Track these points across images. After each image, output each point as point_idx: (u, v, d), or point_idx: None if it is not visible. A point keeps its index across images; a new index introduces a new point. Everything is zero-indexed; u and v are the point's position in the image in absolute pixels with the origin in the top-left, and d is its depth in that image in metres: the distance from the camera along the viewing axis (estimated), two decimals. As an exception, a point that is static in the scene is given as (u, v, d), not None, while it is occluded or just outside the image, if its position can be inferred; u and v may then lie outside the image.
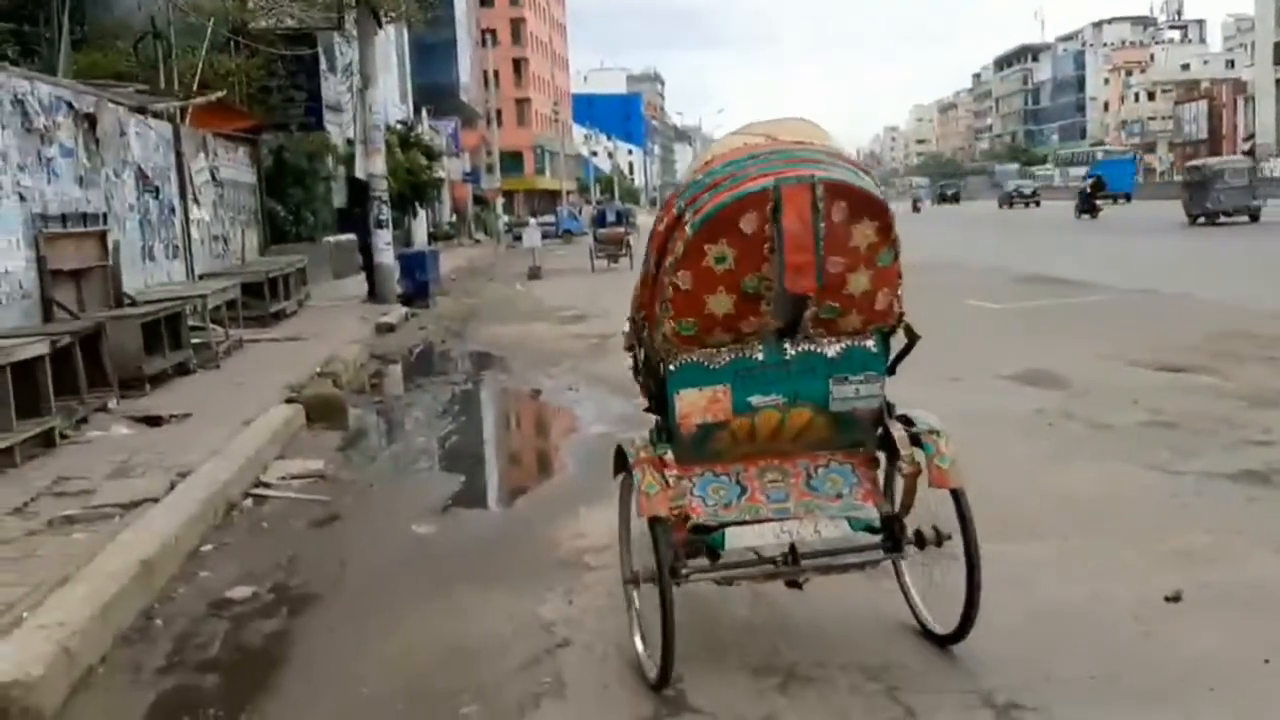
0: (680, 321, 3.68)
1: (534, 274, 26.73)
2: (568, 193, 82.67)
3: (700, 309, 3.63)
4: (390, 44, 37.60)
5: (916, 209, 68.85)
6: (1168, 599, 4.19)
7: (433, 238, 40.92)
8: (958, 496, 3.83)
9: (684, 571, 3.78)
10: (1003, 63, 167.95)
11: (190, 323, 11.20)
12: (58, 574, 4.72)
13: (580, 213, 62.82)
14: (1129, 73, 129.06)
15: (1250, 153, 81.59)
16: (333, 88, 25.12)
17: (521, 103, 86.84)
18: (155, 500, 5.98)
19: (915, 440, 3.81)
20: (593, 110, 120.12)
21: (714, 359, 3.76)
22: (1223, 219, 29.11)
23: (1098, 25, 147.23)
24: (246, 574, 5.25)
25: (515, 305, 19.79)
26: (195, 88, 15.09)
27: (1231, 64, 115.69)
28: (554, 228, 55.79)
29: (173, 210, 14.53)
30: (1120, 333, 11.19)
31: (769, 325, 3.71)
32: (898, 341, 3.90)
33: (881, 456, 4.01)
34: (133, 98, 12.89)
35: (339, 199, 26.22)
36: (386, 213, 18.77)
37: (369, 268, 19.06)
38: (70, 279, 10.44)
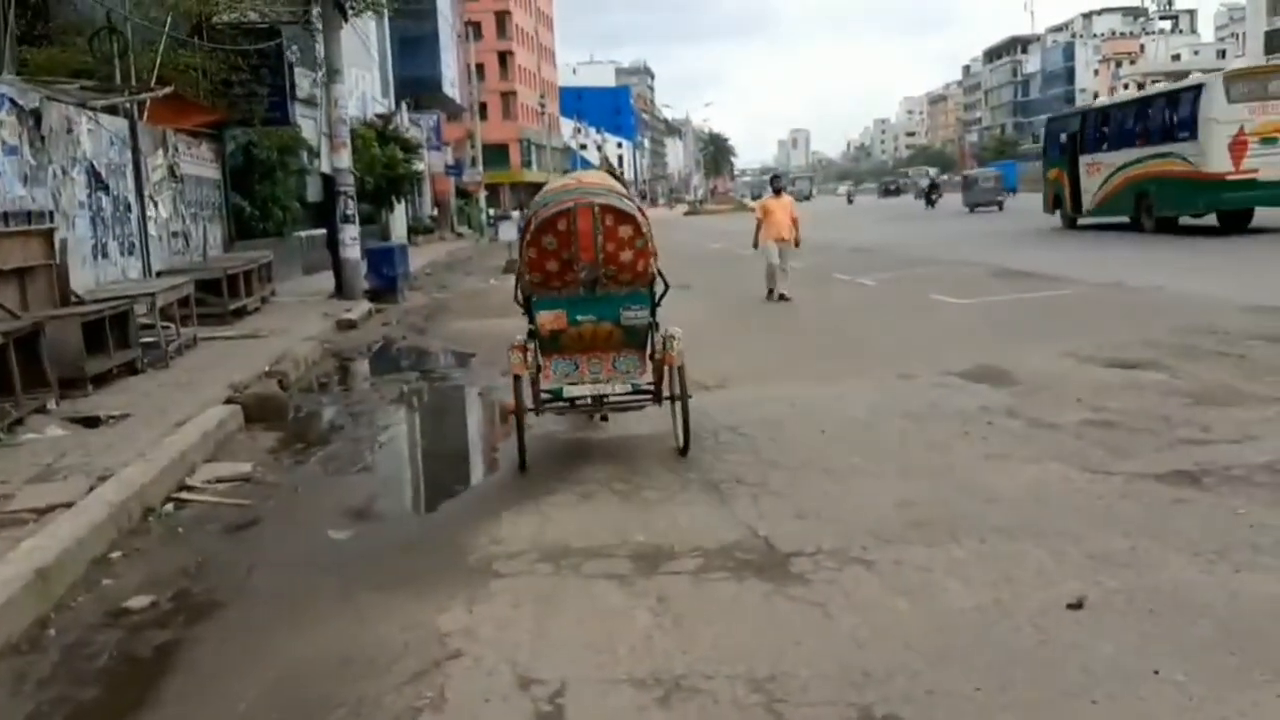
0: (533, 275, 6.85)
1: (510, 268, 26.56)
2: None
3: (542, 268, 6.81)
4: (371, 38, 37.40)
5: (850, 201, 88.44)
6: (1070, 606, 4.10)
7: (413, 231, 40.78)
8: (679, 370, 6.76)
9: (542, 408, 7.04)
10: (992, 54, 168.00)
11: (142, 321, 11.07)
12: (-51, 584, 4.61)
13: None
14: (1119, 63, 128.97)
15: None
16: (306, 82, 24.93)
17: (507, 96, 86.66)
18: (69, 505, 5.86)
19: (665, 342, 6.75)
20: (582, 103, 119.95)
21: (556, 295, 6.86)
22: (979, 208, 46.95)
23: (1088, 16, 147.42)
24: (150, 581, 5.14)
25: (486, 300, 19.64)
26: (154, 83, 14.91)
27: (1223, 54, 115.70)
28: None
29: (128, 207, 14.37)
30: (1081, 328, 11.11)
31: (580, 277, 6.76)
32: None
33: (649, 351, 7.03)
34: (77, 94, 12.72)
35: (314, 193, 26.06)
36: (353, 207, 18.61)
37: (336, 263, 18.92)
38: (13, 278, 10.27)
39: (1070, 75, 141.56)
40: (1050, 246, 23.45)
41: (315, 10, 18.12)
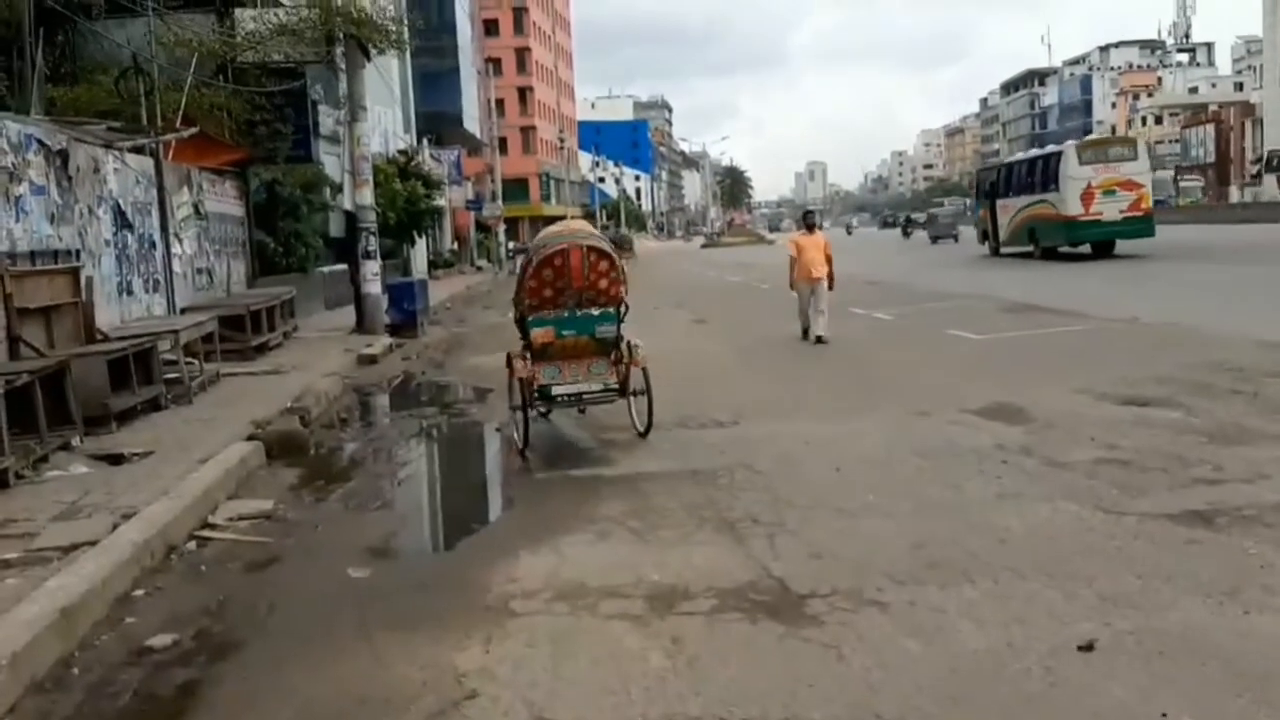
0: (530, 300, 8.66)
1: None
2: (572, 218, 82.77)
3: (540, 294, 8.65)
4: (393, 75, 37.85)
5: (849, 232, 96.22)
6: (1080, 648, 4.13)
7: (433, 265, 41.05)
8: (644, 371, 8.67)
9: (536, 405, 8.77)
10: (1010, 87, 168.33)
11: (166, 357, 11.22)
12: (-22, 622, 4.70)
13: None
14: (1136, 96, 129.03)
15: (1258, 176, 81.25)
16: (330, 119, 25.25)
17: (527, 130, 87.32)
18: (94, 544, 5.95)
19: (630, 350, 8.76)
20: (600, 137, 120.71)
21: (546, 315, 8.69)
22: (940, 240, 54.24)
23: (1105, 49, 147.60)
24: (173, 620, 5.22)
25: (503, 334, 19.65)
26: (179, 123, 15.16)
27: (1240, 86, 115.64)
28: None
29: (153, 244, 14.58)
30: (1096, 364, 11.12)
31: (568, 302, 8.64)
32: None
33: (616, 357, 8.89)
34: (104, 135, 12.95)
35: (336, 229, 26.33)
36: (374, 244, 18.81)
37: (358, 298, 19.10)
38: (40, 316, 10.45)
39: (1088, 108, 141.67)
40: (973, 269, 30.36)
41: (338, 50, 18.39)
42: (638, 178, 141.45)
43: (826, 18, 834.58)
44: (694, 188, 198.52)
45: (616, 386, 8.81)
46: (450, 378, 14.42)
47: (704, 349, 15.58)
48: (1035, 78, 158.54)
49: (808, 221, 16.29)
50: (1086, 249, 29.77)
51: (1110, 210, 28.56)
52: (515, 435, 8.71)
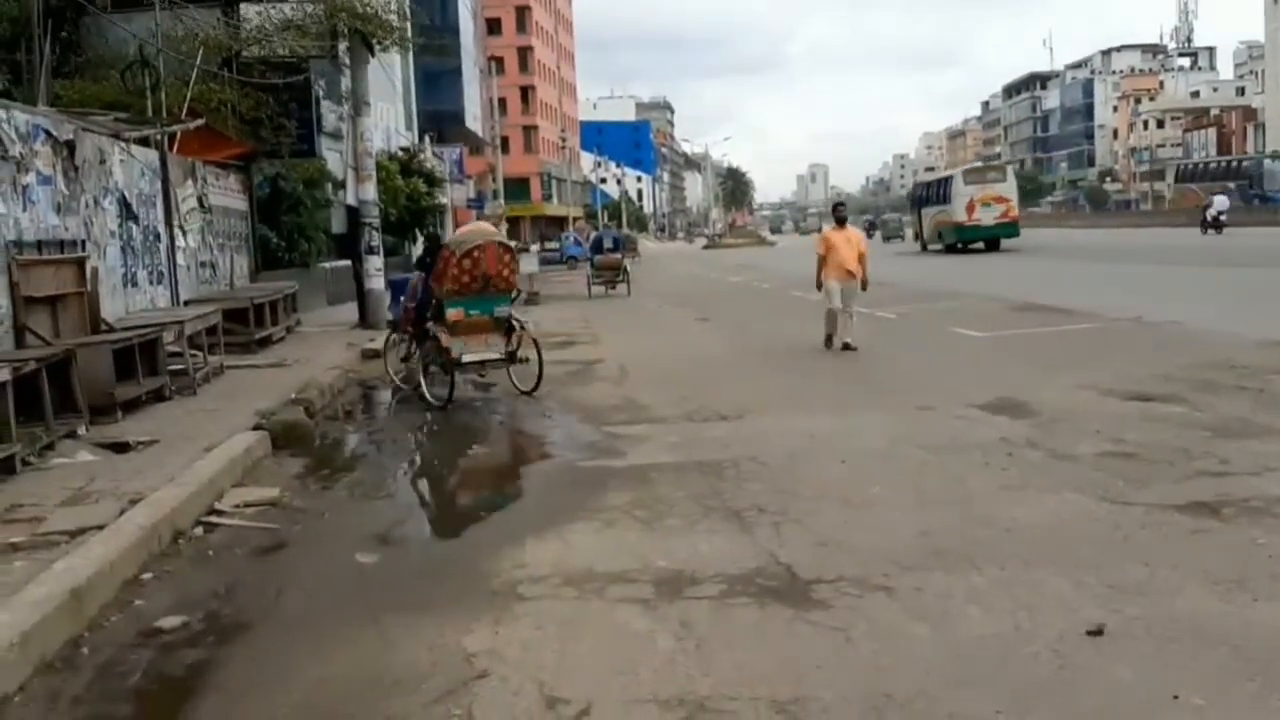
0: (448, 286, 10.64)
1: (531, 299, 26.72)
2: (574, 219, 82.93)
3: (458, 281, 10.64)
4: (396, 72, 37.84)
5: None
6: (1089, 633, 4.14)
7: (435, 263, 40.99)
8: (535, 341, 11.23)
9: (452, 369, 10.77)
10: (1012, 90, 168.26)
11: (170, 349, 11.23)
12: (-13, 603, 4.70)
13: (587, 239, 63.03)
14: (1138, 100, 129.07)
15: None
16: (332, 115, 25.27)
17: (529, 130, 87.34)
18: (102, 528, 5.96)
19: (520, 326, 11.10)
20: (602, 138, 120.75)
21: (459, 298, 10.68)
22: (891, 239, 67.63)
23: (1106, 53, 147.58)
24: (181, 602, 5.23)
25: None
26: (184, 116, 15.17)
27: (1242, 91, 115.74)
28: (559, 254, 56.00)
29: (158, 236, 14.60)
30: (1099, 362, 11.14)
31: (477, 287, 10.68)
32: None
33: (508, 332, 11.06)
34: (111, 125, 12.96)
35: (338, 225, 26.33)
36: (377, 239, 18.83)
37: (360, 293, 19.10)
38: (46, 305, 10.47)
39: (1089, 111, 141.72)
40: (903, 259, 40.90)
41: (343, 45, 18.39)
42: (639, 179, 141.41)
43: (827, 21, 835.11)
44: (696, 189, 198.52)
45: (508, 355, 11.05)
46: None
47: (707, 346, 15.61)
48: (1037, 81, 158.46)
49: (838, 215, 14.75)
50: (981, 245, 40.51)
51: (987, 217, 40.14)
52: (426, 394, 10.93)
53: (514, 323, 11.07)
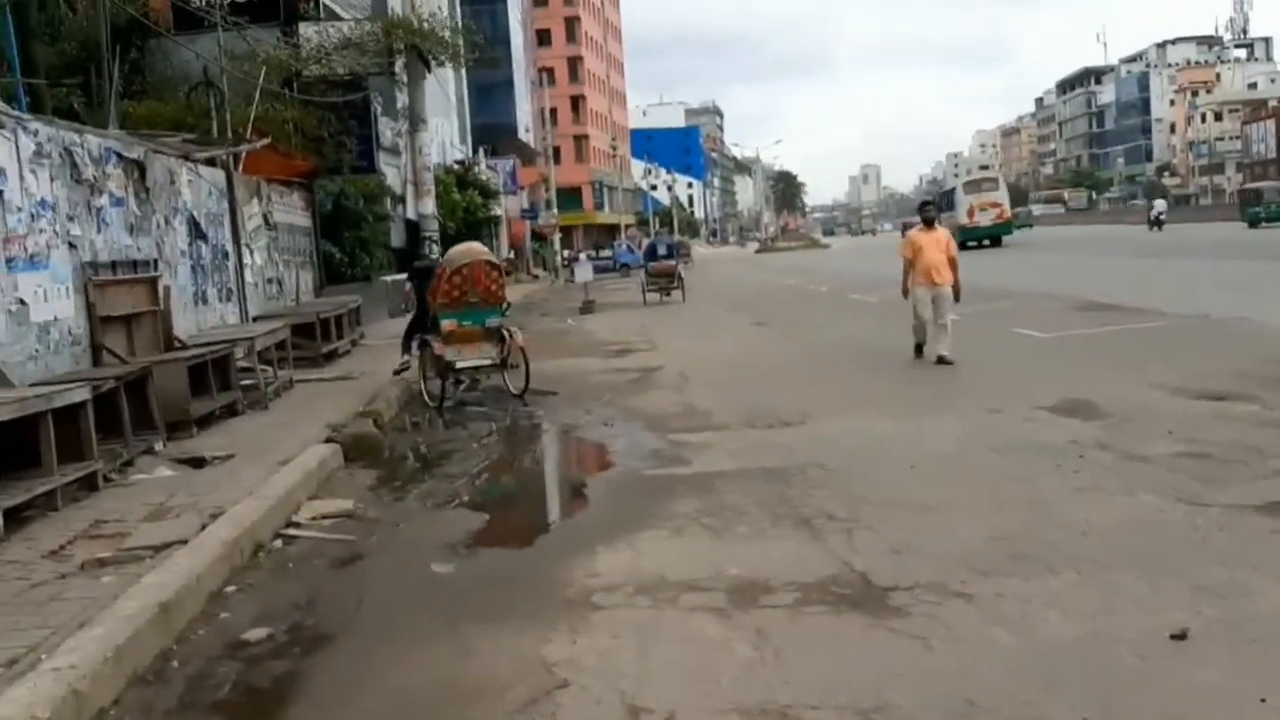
0: (441, 299, 11.77)
1: (587, 308, 26.87)
2: (626, 226, 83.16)
3: (450, 295, 11.76)
4: (449, 86, 38.26)
5: (874, 234, 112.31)
6: (1173, 636, 4.11)
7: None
8: (522, 349, 11.90)
9: (446, 374, 11.85)
10: (1065, 86, 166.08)
11: (241, 364, 11.45)
12: (81, 617, 4.85)
13: (639, 246, 63.14)
14: (1195, 93, 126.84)
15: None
16: (389, 131, 25.61)
17: (580, 139, 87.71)
18: (185, 542, 6.11)
19: (510, 334, 11.88)
20: (652, 144, 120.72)
21: (452, 311, 11.73)
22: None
23: (1161, 46, 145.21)
24: (265, 615, 5.35)
25: (564, 340, 19.93)
26: (248, 135, 15.49)
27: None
28: (611, 262, 56.12)
29: (226, 255, 14.91)
30: (1167, 360, 11.00)
31: (470, 300, 11.76)
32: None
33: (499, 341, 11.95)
34: (179, 146, 13.28)
35: (397, 238, 26.66)
36: (437, 252, 19.03)
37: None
38: (121, 324, 10.73)
39: (1146, 105, 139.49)
40: None
41: (399, 62, 18.65)
42: (690, 184, 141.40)
43: (873, 21, 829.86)
44: (747, 193, 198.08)
45: (499, 360, 11.99)
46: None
47: (765, 350, 15.60)
48: (1092, 76, 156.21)
49: (925, 216, 13.47)
50: (987, 243, 47.81)
51: (984, 220, 48.61)
52: (425, 398, 12.00)
53: (505, 332, 11.91)
